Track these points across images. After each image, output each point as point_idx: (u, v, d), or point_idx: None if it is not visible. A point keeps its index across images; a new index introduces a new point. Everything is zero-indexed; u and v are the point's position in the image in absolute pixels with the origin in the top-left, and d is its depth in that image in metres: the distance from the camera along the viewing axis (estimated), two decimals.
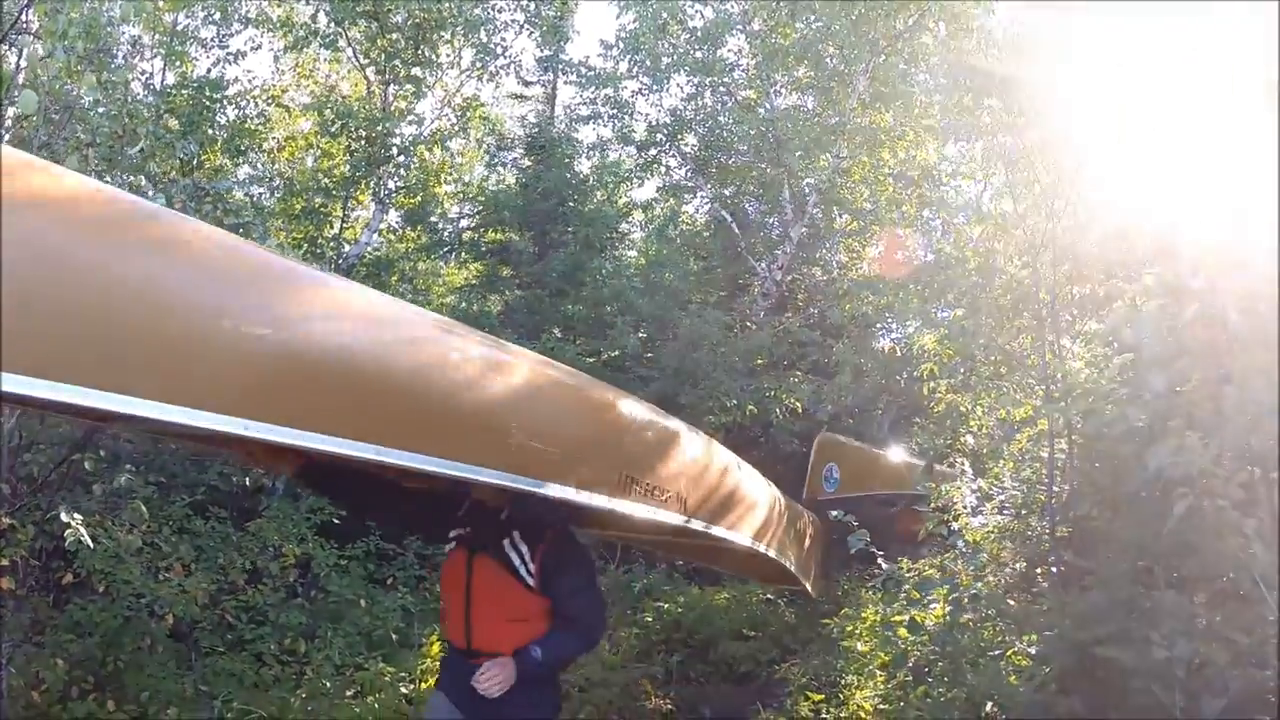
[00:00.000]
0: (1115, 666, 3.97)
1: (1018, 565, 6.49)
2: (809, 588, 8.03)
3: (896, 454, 14.85)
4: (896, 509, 13.16)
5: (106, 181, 6.70)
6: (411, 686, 7.08)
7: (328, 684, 6.93)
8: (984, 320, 6.60)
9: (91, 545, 5.83)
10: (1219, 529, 3.22)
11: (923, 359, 7.84)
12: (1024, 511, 6.55)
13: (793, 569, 6.89)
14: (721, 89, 18.89)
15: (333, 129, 14.64)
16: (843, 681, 8.21)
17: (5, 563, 5.66)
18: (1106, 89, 5.29)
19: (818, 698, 7.52)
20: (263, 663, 7.28)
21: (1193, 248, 3.53)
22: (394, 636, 8.31)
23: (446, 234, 17.71)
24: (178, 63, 12.98)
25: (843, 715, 7.21)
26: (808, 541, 7.99)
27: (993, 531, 6.83)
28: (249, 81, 14.73)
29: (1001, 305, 6.69)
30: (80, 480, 6.87)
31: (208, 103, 12.82)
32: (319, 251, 14.30)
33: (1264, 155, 3.33)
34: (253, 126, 14.86)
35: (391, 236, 17.31)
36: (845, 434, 16.35)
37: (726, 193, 19.13)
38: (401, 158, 14.73)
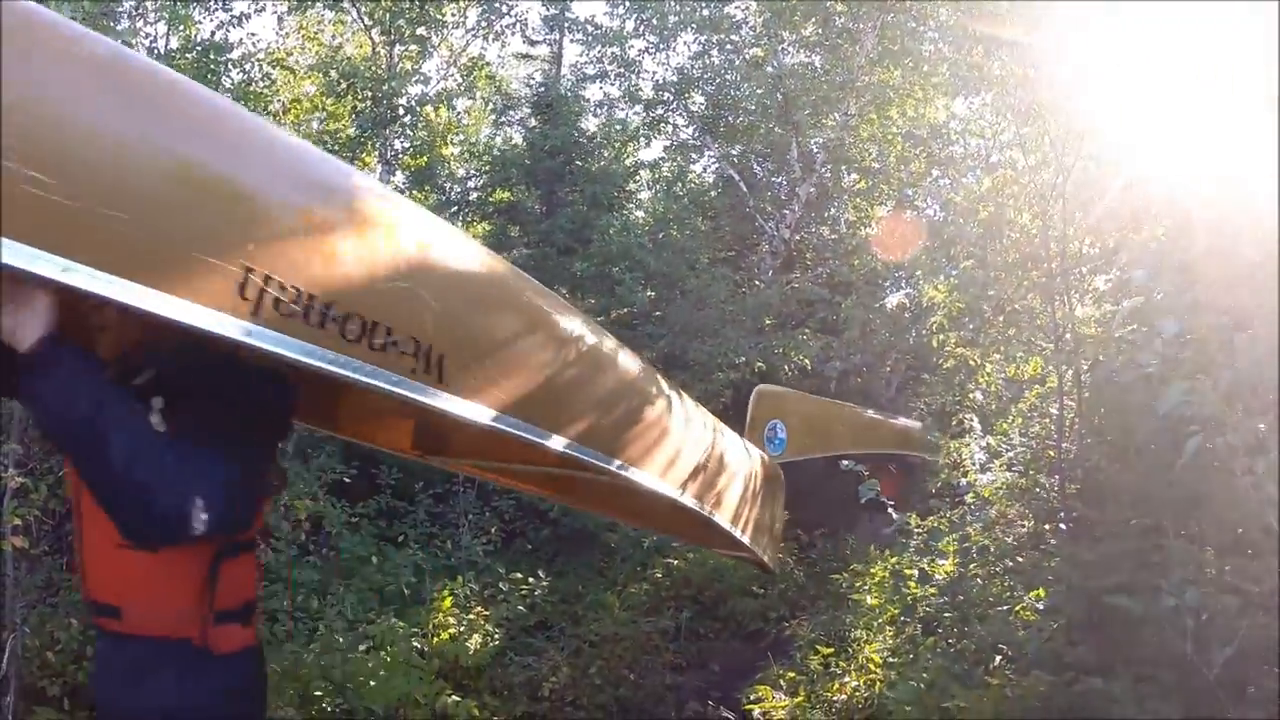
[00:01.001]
0: (1124, 616, 3.98)
1: (1026, 523, 6.50)
2: (764, 558, 6.25)
3: (862, 409, 13.58)
4: (868, 468, 12.94)
5: None
6: (423, 641, 7.14)
7: (340, 639, 6.98)
8: (993, 274, 6.58)
9: None
10: (1230, 469, 3.22)
11: (931, 313, 7.83)
12: (1031, 470, 6.56)
13: (721, 521, 4.82)
14: (729, 47, 18.75)
15: (338, 89, 14.58)
16: (852, 636, 8.26)
17: (18, 522, 5.69)
18: (1116, 39, 5.25)
19: (827, 651, 7.56)
20: (275, 620, 7.34)
21: (1203, 185, 3.52)
22: (405, 592, 8.37)
23: (454, 194, 17.67)
24: (181, 26, 12.90)
25: (853, 668, 7.25)
26: (768, 502, 6.28)
27: (1001, 488, 6.84)
28: (253, 44, 14.63)
29: (1010, 261, 6.67)
30: None
31: (212, 66, 12.74)
32: None
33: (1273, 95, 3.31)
34: (258, 90, 14.77)
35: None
36: (854, 394, 16.31)
37: (734, 152, 19.02)
38: (408, 118, 14.67)
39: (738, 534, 5.11)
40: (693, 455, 4.22)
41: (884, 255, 15.73)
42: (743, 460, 5.35)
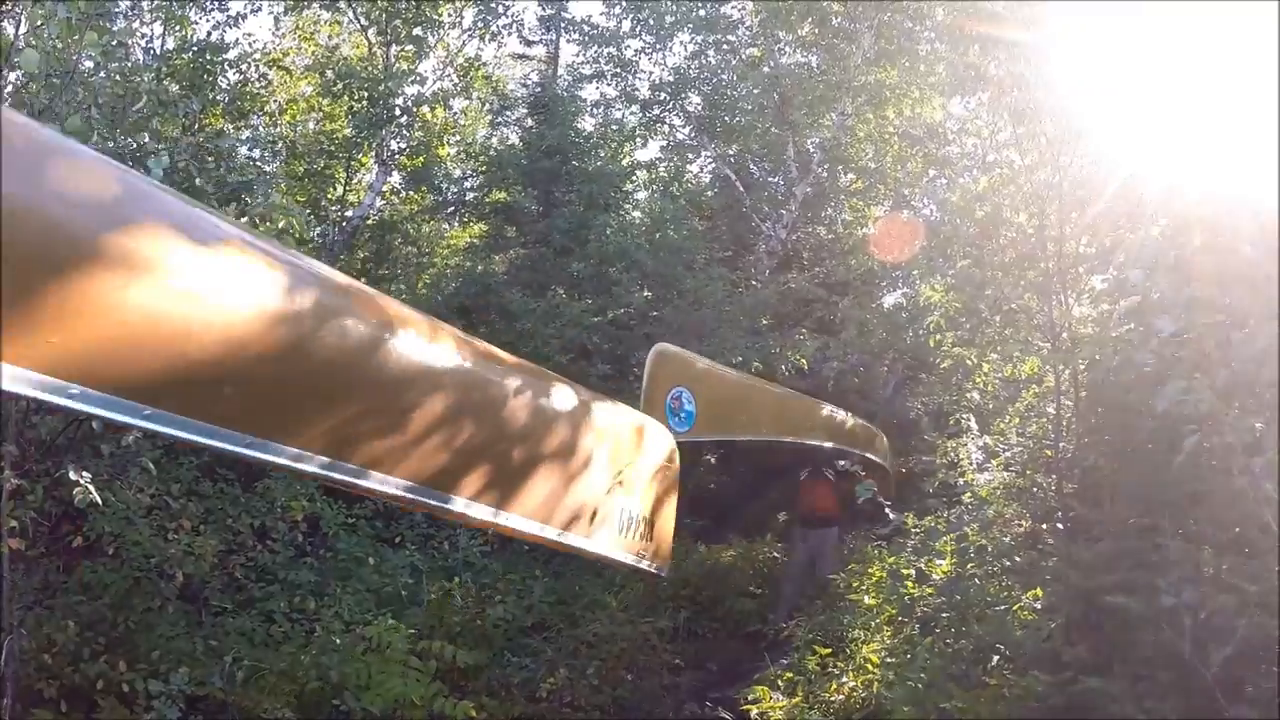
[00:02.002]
0: (1122, 615, 3.98)
1: (1023, 523, 6.51)
2: (645, 566, 5.21)
3: (793, 392, 11.68)
4: (804, 472, 10.84)
5: (109, 143, 6.71)
6: (421, 642, 7.12)
7: (337, 640, 6.97)
8: (990, 274, 6.59)
9: (100, 503, 5.85)
10: (1227, 468, 3.22)
11: (928, 313, 7.83)
12: (1029, 470, 6.56)
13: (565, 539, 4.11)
14: (725, 47, 18.75)
15: (334, 90, 14.57)
16: (850, 636, 8.25)
17: (15, 524, 5.68)
18: (1111, 38, 5.25)
19: (825, 651, 7.55)
20: (272, 621, 7.33)
21: (1201, 181, 3.52)
22: (403, 594, 8.35)
23: (450, 195, 17.66)
24: (177, 26, 12.88)
25: (850, 668, 7.25)
26: (658, 499, 5.20)
27: (998, 488, 6.85)
28: (249, 45, 14.63)
29: (1007, 260, 6.67)
30: (88, 442, 6.89)
31: (208, 67, 12.74)
32: (322, 214, 14.26)
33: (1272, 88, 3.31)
34: (254, 90, 14.77)
35: (395, 199, 17.27)
36: (851, 393, 16.21)
37: (731, 152, 19.01)
38: (404, 118, 14.66)
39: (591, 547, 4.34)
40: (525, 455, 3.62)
41: (881, 257, 15.71)
42: (630, 453, 4.62)
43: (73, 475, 5.63)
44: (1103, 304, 6.01)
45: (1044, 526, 6.13)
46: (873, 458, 11.31)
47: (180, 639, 6.59)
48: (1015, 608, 5.54)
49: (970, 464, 7.55)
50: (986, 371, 8.15)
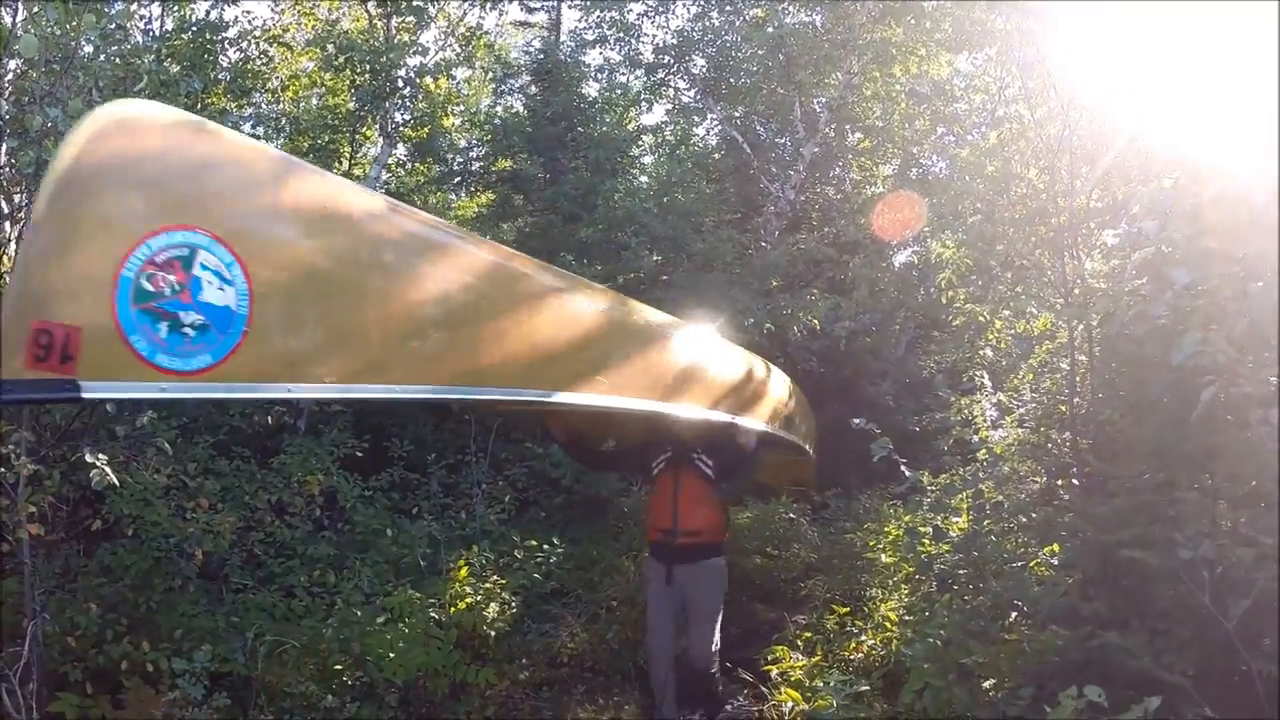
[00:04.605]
0: (1139, 570, 3.97)
1: (1039, 479, 6.50)
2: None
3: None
4: (659, 460, 6.59)
5: None
6: (441, 611, 7.16)
7: (358, 613, 7.01)
8: (1001, 230, 6.54)
9: (118, 484, 5.87)
10: (1243, 421, 3.20)
11: (940, 270, 7.79)
12: (1043, 426, 6.54)
13: None
14: (729, 8, 18.62)
15: (336, 64, 14.50)
16: (868, 594, 8.28)
17: (33, 510, 5.70)
18: None
19: (843, 610, 7.58)
20: (293, 595, 7.37)
21: (1213, 130, 3.48)
22: (421, 563, 8.39)
23: (456, 165, 17.61)
24: (176, 7, 12.81)
25: (869, 626, 7.27)
26: None
27: (1013, 444, 6.83)
28: (249, 22, 14.54)
29: (1018, 216, 6.62)
30: (103, 425, 6.91)
31: (209, 46, 12.68)
32: None
33: None
34: (255, 68, 14.71)
35: (401, 171, 17.22)
36: (864, 353, 16.17)
37: (737, 114, 18.92)
38: (407, 90, 14.58)
39: None
40: None
41: (886, 236, 15.62)
42: None
43: (89, 458, 5.65)
44: (1114, 259, 5.98)
45: (1059, 482, 6.12)
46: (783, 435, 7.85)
47: (202, 617, 6.63)
48: (1032, 564, 5.54)
49: (985, 421, 7.53)
50: (999, 328, 8.11)
